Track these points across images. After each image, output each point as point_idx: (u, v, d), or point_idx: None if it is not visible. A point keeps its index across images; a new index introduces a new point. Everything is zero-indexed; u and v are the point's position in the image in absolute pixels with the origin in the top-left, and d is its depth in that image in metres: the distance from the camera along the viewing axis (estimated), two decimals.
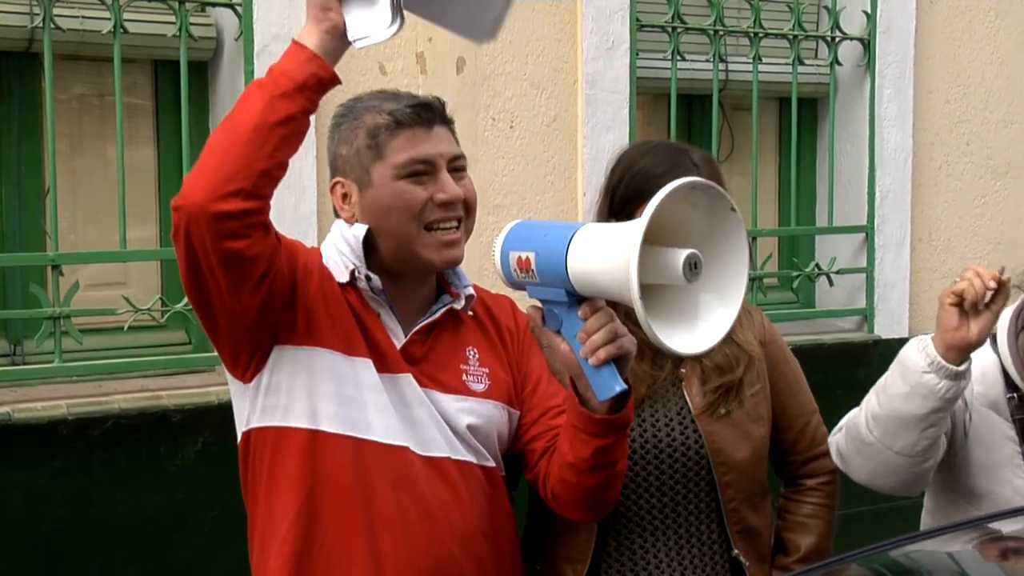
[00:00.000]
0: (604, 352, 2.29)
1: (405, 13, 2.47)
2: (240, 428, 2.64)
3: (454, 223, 2.63)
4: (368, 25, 2.43)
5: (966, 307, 2.70)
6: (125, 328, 4.14)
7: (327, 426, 2.57)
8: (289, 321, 2.58)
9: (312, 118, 4.27)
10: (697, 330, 2.35)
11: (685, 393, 2.87)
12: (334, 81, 2.35)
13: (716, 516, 2.84)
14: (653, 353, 2.83)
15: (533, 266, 2.39)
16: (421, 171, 2.61)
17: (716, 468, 2.81)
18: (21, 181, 4.15)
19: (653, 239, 2.29)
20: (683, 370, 2.88)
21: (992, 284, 2.71)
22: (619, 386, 2.36)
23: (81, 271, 4.12)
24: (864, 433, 2.85)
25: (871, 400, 2.90)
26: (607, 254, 2.25)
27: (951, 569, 2.27)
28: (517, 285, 2.47)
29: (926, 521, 3.04)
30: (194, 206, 2.23)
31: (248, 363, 2.56)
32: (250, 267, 2.37)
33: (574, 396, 2.49)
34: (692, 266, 2.26)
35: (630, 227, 2.22)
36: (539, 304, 2.43)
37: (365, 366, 2.61)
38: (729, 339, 2.77)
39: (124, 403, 3.96)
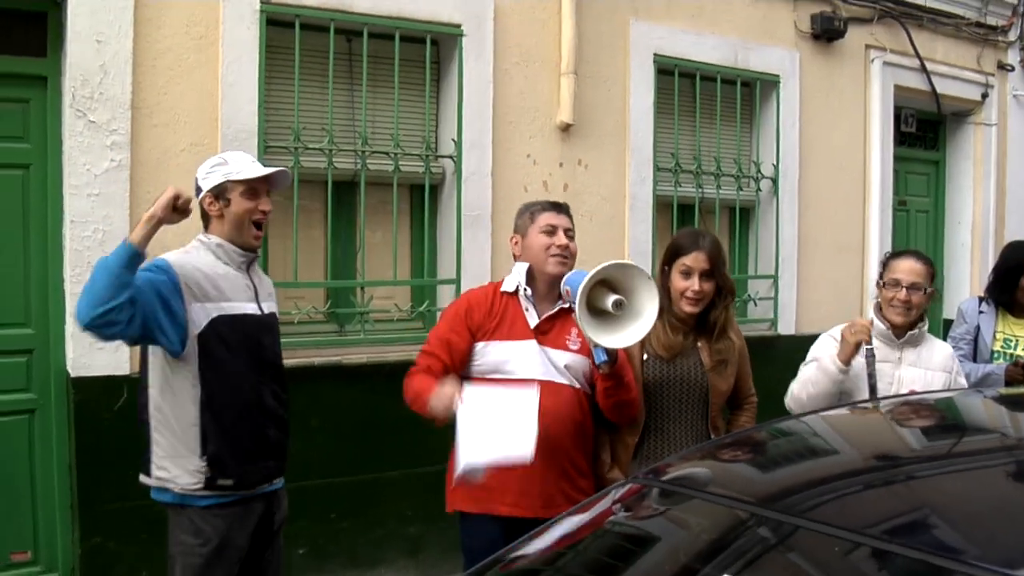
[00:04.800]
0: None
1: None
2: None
3: (562, 255, 2.89)
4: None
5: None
6: (395, 319, 4.59)
7: (495, 375, 2.85)
8: (480, 335, 2.87)
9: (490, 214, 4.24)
10: (625, 334, 2.53)
11: (700, 354, 2.98)
12: None
13: (704, 419, 2.97)
14: (683, 332, 2.96)
15: (571, 295, 2.60)
16: (550, 230, 2.93)
17: (710, 392, 2.96)
18: (346, 245, 4.55)
19: (612, 286, 2.51)
20: (700, 343, 2.97)
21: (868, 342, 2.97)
22: (604, 356, 2.58)
23: (374, 290, 4.52)
24: (803, 397, 3.04)
25: (807, 388, 3.03)
26: (577, 298, 2.47)
27: (816, 427, 2.15)
28: (569, 303, 2.72)
29: None
30: None
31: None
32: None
33: (591, 360, 2.71)
34: (618, 304, 2.48)
35: (585, 282, 2.45)
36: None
37: (516, 340, 2.86)
38: (726, 335, 2.97)
39: (393, 357, 4.28)
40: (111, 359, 3.80)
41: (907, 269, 3.21)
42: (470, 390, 2.67)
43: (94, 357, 3.78)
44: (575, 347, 2.91)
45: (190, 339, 2.66)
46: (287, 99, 4.27)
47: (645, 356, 2.96)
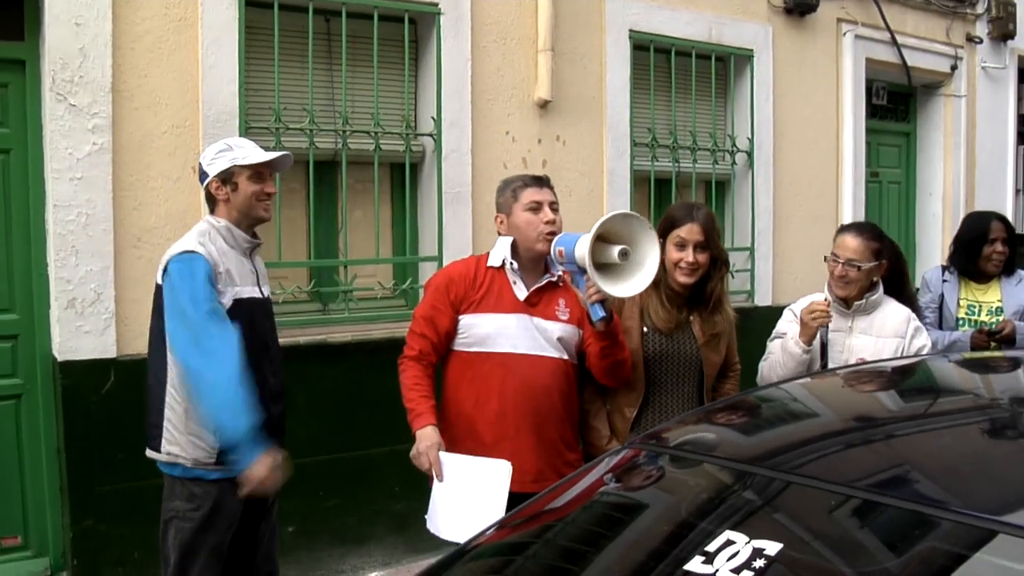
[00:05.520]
0: (593, 297, 2.62)
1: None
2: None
3: (551, 233, 2.87)
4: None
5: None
6: (378, 297, 4.63)
7: (480, 349, 2.90)
8: (464, 308, 2.89)
9: (470, 191, 4.29)
10: (630, 284, 2.57)
11: (692, 328, 3.04)
12: None
13: (699, 388, 3.04)
14: (678, 306, 3.02)
15: (564, 255, 2.64)
16: (535, 207, 2.92)
17: (704, 365, 3.02)
18: (328, 224, 4.62)
19: (611, 240, 2.54)
20: (692, 317, 3.03)
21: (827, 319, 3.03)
22: (602, 313, 2.64)
23: (357, 268, 4.54)
24: (773, 378, 3.08)
25: (775, 369, 3.11)
26: (583, 248, 2.52)
27: (798, 393, 2.17)
28: (560, 265, 2.77)
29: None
30: None
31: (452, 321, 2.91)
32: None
33: (587, 321, 2.75)
34: (624, 254, 2.52)
35: (589, 235, 2.51)
36: (570, 273, 2.73)
37: (504, 313, 2.87)
38: (722, 307, 3.04)
39: (378, 335, 4.40)
40: (98, 343, 3.82)
41: (844, 245, 3.27)
42: (446, 458, 2.74)
43: (81, 341, 3.80)
44: (565, 317, 2.94)
45: None
46: (267, 80, 4.28)
47: (645, 329, 3.02)
